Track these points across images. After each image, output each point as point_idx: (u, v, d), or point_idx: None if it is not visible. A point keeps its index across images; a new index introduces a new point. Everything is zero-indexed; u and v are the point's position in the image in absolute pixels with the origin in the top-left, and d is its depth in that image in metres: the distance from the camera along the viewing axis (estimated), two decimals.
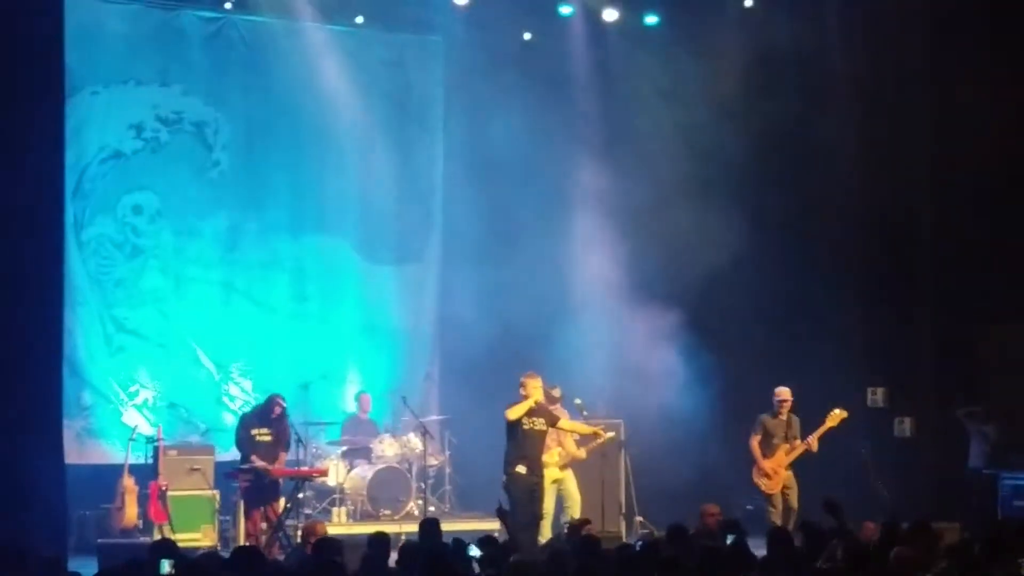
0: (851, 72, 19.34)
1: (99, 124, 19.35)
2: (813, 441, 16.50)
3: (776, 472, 16.57)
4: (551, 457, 16.39)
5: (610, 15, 20.10)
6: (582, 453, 16.84)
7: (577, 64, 20.25)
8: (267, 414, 16.79)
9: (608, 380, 18.84)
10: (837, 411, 16.48)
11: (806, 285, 19.34)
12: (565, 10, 20.16)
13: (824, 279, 19.54)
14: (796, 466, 16.68)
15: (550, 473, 16.23)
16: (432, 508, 18.16)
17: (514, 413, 14.70)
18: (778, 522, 15.93)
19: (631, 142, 19.79)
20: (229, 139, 20.13)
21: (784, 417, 16.73)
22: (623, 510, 18.51)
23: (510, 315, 19.25)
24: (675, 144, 19.20)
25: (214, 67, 19.91)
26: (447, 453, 19.63)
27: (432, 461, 18.90)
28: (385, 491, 18.71)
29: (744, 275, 18.99)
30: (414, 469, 19.03)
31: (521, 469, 14.67)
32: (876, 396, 19.53)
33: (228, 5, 19.70)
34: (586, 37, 20.25)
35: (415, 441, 19.00)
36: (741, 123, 19.50)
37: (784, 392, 16.75)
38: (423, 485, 18.48)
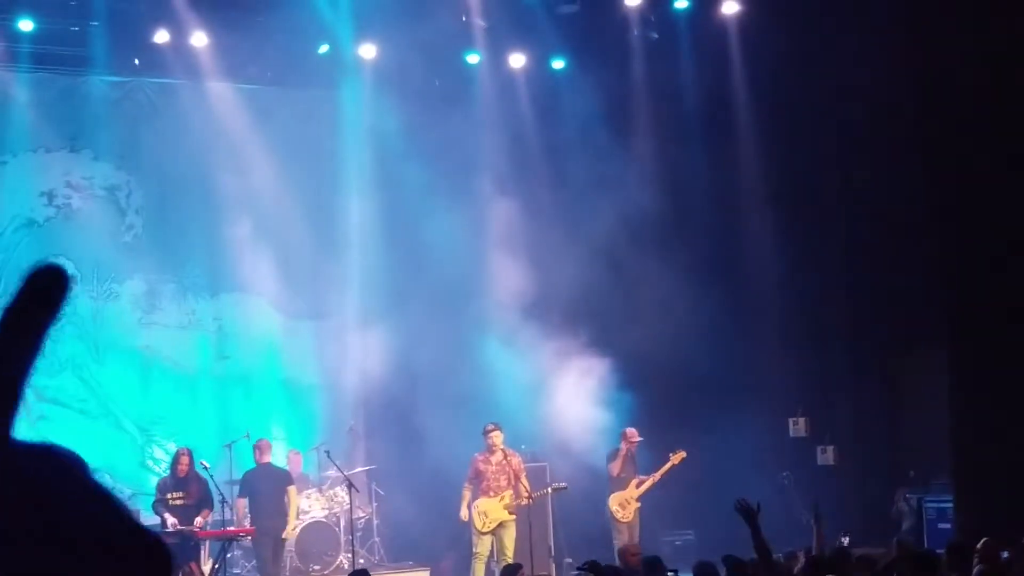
0: (759, 107, 19.66)
1: (9, 193, 19.29)
2: (657, 476, 17.58)
3: (629, 502, 17.55)
4: (502, 499, 16.56)
5: (516, 60, 20.29)
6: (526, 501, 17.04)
7: (488, 111, 20.40)
8: (176, 474, 16.57)
9: (530, 424, 18.88)
10: (678, 452, 17.61)
11: (724, 320, 19.53)
12: (472, 59, 20.32)
13: (741, 312, 19.75)
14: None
15: (498, 515, 16.45)
16: (362, 560, 18.09)
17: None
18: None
19: (548, 188, 19.95)
20: (142, 202, 20.07)
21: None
22: (552, 553, 18.57)
23: (429, 363, 19.25)
24: (593, 189, 19.37)
25: (123, 131, 19.83)
26: (374, 504, 19.59)
27: (359, 513, 18.82)
28: (314, 546, 18.62)
29: (664, 315, 19.10)
30: (342, 523, 18.97)
31: None
32: (798, 426, 19.75)
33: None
34: (495, 84, 20.43)
35: (342, 495, 18.95)
36: (655, 165, 19.79)
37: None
38: (351, 538, 18.42)
